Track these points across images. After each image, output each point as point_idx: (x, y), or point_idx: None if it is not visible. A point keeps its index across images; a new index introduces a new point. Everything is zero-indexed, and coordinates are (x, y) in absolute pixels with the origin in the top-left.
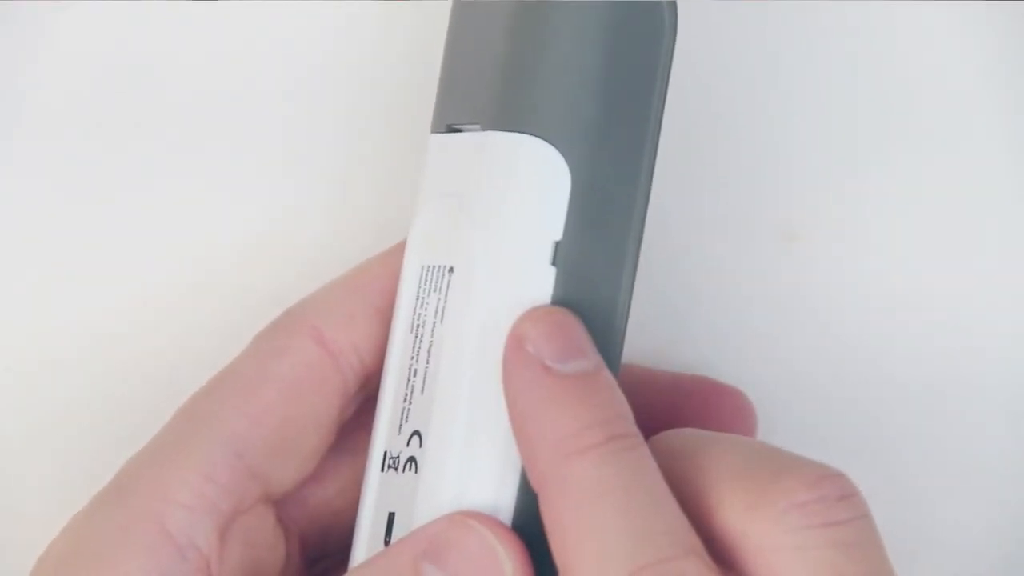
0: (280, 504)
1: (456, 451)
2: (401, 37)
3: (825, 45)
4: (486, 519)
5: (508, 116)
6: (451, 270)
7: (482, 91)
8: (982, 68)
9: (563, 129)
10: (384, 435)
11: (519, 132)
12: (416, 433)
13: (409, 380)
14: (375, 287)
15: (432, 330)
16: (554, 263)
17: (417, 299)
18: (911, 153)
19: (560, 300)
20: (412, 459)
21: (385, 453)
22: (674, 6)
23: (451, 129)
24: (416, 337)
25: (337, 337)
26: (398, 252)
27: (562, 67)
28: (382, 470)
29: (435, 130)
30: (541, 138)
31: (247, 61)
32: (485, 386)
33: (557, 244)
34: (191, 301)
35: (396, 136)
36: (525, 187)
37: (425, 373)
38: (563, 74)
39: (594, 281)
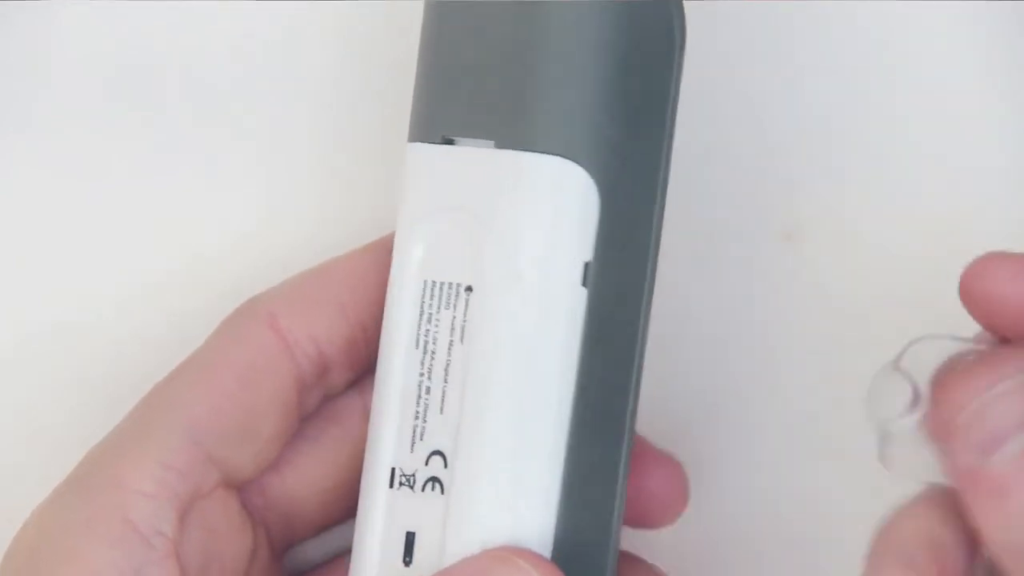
0: (242, 493)
1: (493, 474)
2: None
3: (826, 45)
4: (530, 555)
5: (532, 136)
6: (469, 289)
7: (492, 105)
8: (983, 68)
9: (590, 149)
10: (390, 452)
11: (547, 153)
12: (438, 453)
13: (420, 397)
14: (340, 282)
15: (449, 349)
16: (584, 284)
17: (422, 315)
18: (912, 153)
19: (595, 320)
20: (435, 480)
21: (393, 470)
22: (681, 7)
23: (446, 140)
24: (426, 354)
25: (293, 326)
26: (370, 252)
27: (582, 82)
28: (391, 487)
29: (421, 139)
30: (570, 159)
31: (238, 59)
32: (523, 409)
33: (587, 265)
34: (181, 298)
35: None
36: (557, 210)
37: (443, 393)
38: (584, 90)
39: (621, 298)
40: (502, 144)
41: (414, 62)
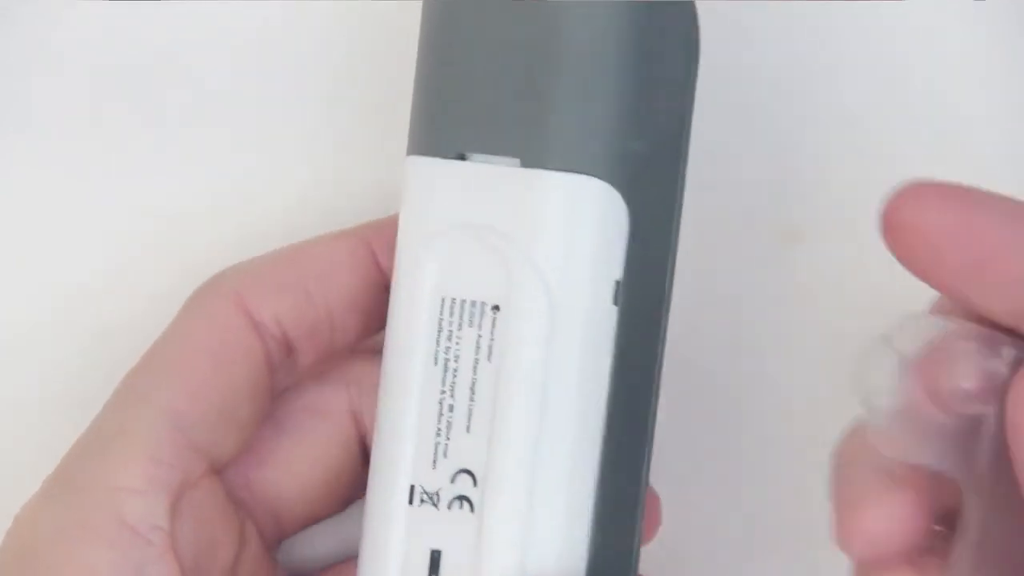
0: (228, 487)
1: (530, 495)
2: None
3: (827, 45)
4: None
5: (561, 154)
6: (496, 308)
7: (513, 120)
8: (984, 67)
9: (618, 166)
10: (408, 469)
11: (576, 172)
12: (466, 472)
13: (442, 414)
14: (308, 267)
15: (474, 367)
16: (615, 302)
17: (440, 331)
18: (913, 153)
19: (622, 338)
20: (463, 498)
21: (413, 487)
22: (697, 16)
23: (459, 156)
24: (447, 371)
25: (259, 306)
26: (342, 240)
27: (609, 95)
28: (410, 503)
29: (430, 153)
30: (599, 177)
31: (239, 59)
32: (559, 429)
33: (618, 283)
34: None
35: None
36: (591, 231)
37: (470, 411)
38: (611, 104)
39: (644, 315)
40: (528, 162)
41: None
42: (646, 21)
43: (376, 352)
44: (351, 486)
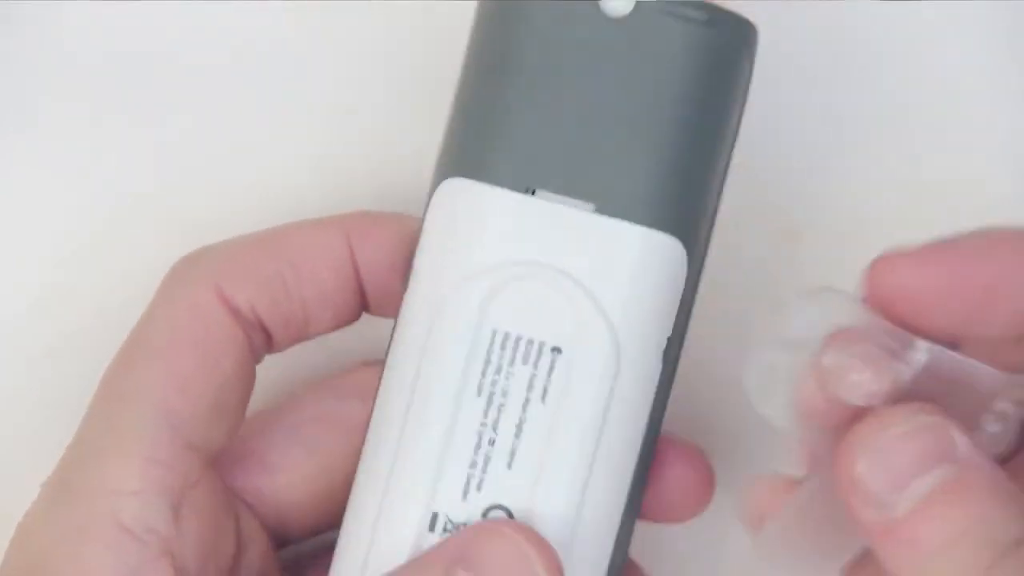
0: (237, 492)
1: (572, 536)
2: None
3: (828, 44)
4: (519, 526)
5: (644, 209)
6: (556, 350)
7: (595, 164)
8: (984, 67)
9: (689, 223)
10: (430, 495)
11: (657, 230)
12: (501, 508)
13: (480, 447)
14: (286, 257)
15: (524, 406)
16: (665, 358)
17: (487, 364)
18: (914, 152)
19: (660, 391)
20: None
21: (436, 515)
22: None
23: (528, 190)
24: (491, 405)
25: (236, 293)
26: (321, 229)
27: (698, 155)
28: (431, 531)
29: (493, 181)
30: (673, 235)
31: (240, 60)
32: (606, 477)
33: (669, 339)
34: None
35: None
36: (660, 288)
37: (514, 448)
38: (699, 164)
39: (673, 363)
40: (605, 210)
41: (416, 62)
42: (743, 80)
43: None
44: None
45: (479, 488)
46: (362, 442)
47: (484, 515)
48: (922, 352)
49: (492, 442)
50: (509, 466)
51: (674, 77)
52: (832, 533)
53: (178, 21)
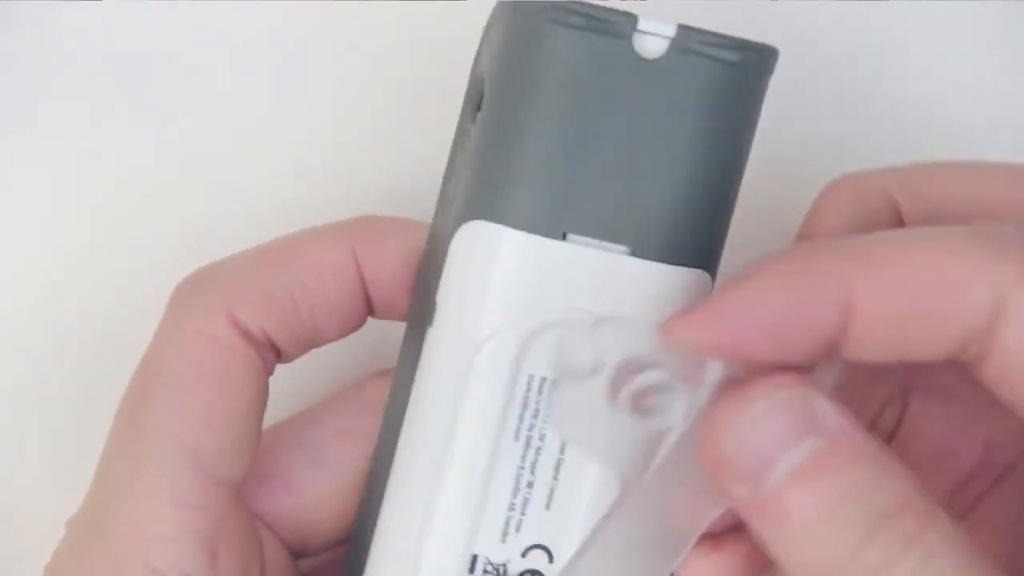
0: (257, 513)
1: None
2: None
3: (829, 43)
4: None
5: (678, 249)
6: None
7: (628, 208)
8: (985, 67)
9: (716, 255)
10: (468, 537)
11: (690, 267)
12: (540, 548)
13: (519, 490)
14: (297, 276)
15: (562, 448)
16: None
17: (525, 408)
18: (912, 152)
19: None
20: (535, 573)
21: (476, 556)
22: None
23: (561, 236)
24: (528, 448)
25: (248, 318)
26: (330, 243)
27: (723, 192)
28: (471, 572)
29: (524, 228)
30: (704, 269)
31: (240, 60)
32: (646, 521)
33: None
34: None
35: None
36: None
37: (552, 490)
38: (723, 200)
39: None
40: (640, 253)
41: (417, 63)
42: (761, 104)
43: None
44: None
45: (518, 529)
46: (379, 466)
47: (523, 555)
48: (715, 372)
49: (531, 484)
50: (547, 507)
51: (706, 116)
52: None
53: (178, 21)
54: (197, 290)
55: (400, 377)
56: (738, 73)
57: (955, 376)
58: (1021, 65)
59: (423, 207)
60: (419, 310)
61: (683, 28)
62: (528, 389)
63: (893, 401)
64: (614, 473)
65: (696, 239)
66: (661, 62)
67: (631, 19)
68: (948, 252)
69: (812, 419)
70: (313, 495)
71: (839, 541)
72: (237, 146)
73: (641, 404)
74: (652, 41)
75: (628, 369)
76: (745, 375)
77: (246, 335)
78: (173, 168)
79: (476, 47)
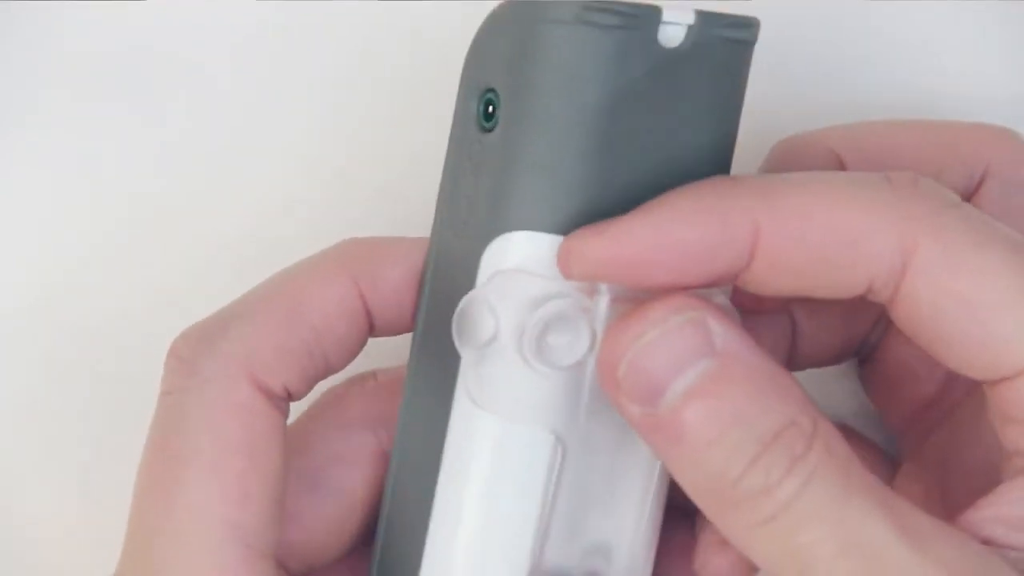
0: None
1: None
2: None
3: (828, 43)
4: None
5: None
6: None
7: (653, 195)
8: (985, 66)
9: None
10: (538, 547)
11: None
12: (598, 547)
13: (579, 493)
14: (308, 323)
15: (616, 449)
16: None
17: (589, 413)
18: None
19: None
20: (594, 574)
21: (538, 566)
22: None
23: None
24: (592, 454)
25: (270, 378)
26: (334, 286)
27: (728, 164)
28: None
29: (559, 231)
30: None
31: (240, 59)
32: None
33: None
34: (183, 297)
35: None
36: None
37: (611, 490)
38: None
39: None
40: None
41: (417, 62)
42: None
43: (388, 384)
44: (375, 519)
45: (582, 531)
46: (398, 475)
47: (583, 558)
48: (604, 294)
49: (590, 491)
50: (606, 507)
51: (722, 95)
52: None
53: (178, 20)
54: (213, 352)
55: (419, 390)
56: (746, 50)
57: None
58: (1022, 65)
59: (422, 205)
60: (437, 327)
61: (700, 14)
62: (589, 397)
63: (881, 319)
64: (548, 430)
65: None
66: (681, 50)
67: (657, 11)
68: (857, 202)
69: (705, 342)
70: (318, 523)
71: (727, 463)
72: (237, 144)
73: (548, 349)
74: (674, 30)
75: (527, 320)
76: (639, 296)
77: (268, 395)
78: (173, 167)
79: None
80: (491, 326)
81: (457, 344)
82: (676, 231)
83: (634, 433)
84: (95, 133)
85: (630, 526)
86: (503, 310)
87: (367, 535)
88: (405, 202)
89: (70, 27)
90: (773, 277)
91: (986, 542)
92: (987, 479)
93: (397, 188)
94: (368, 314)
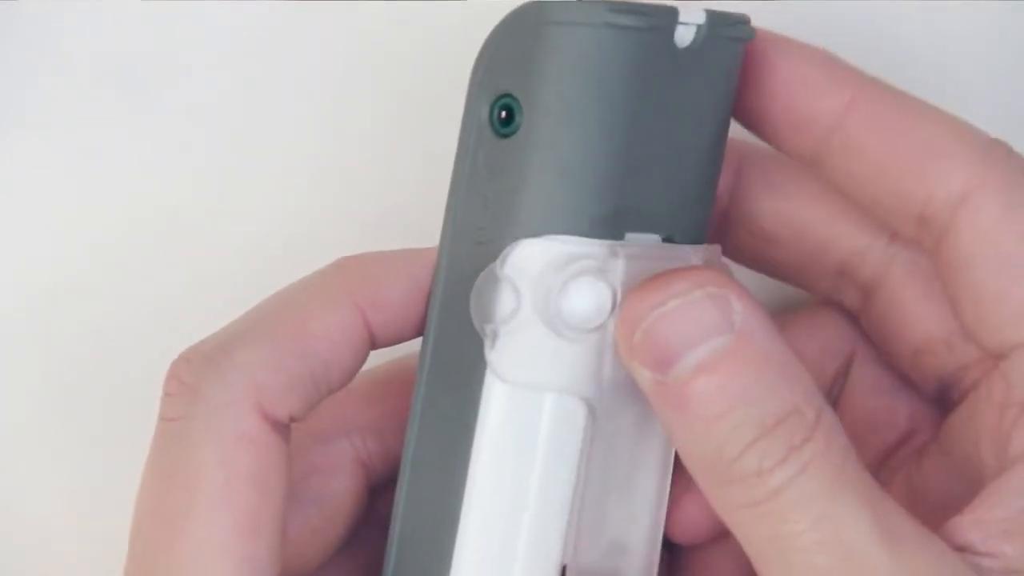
0: None
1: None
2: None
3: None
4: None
5: (701, 230)
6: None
7: (665, 197)
8: (984, 66)
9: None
10: (566, 545)
11: (707, 244)
12: (619, 540)
13: (601, 489)
14: (312, 351)
15: (637, 441)
16: None
17: (607, 412)
18: None
19: None
20: (614, 570)
21: (565, 567)
22: None
23: (620, 235)
24: (608, 450)
25: (276, 408)
26: (337, 312)
27: (721, 162)
28: None
29: (594, 235)
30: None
31: (239, 58)
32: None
33: None
34: (183, 295)
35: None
36: None
37: (630, 482)
38: (720, 170)
39: None
40: (672, 238)
41: (418, 62)
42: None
43: (359, 390)
44: (357, 524)
45: (603, 527)
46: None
47: (603, 555)
48: (622, 256)
49: (609, 484)
50: (623, 502)
51: (726, 93)
52: None
53: (178, 21)
54: (219, 380)
55: (435, 397)
56: (743, 47)
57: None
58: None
59: (428, 210)
60: (455, 334)
61: (710, 14)
62: (607, 396)
63: (838, 377)
64: (579, 398)
65: (710, 216)
66: (692, 49)
67: (674, 12)
68: (946, 124)
69: (725, 319)
70: (301, 535)
71: (727, 441)
72: (239, 145)
73: (571, 312)
74: (688, 31)
75: (550, 283)
76: (661, 256)
77: (275, 426)
78: (174, 168)
79: (477, 50)
80: (511, 299)
81: (478, 324)
82: (796, 55)
83: (652, 422)
84: (95, 133)
85: (647, 524)
86: (522, 280)
87: (347, 542)
88: (410, 207)
89: (70, 27)
90: (846, 160)
91: (963, 549)
92: (964, 495)
93: (402, 191)
94: (371, 335)
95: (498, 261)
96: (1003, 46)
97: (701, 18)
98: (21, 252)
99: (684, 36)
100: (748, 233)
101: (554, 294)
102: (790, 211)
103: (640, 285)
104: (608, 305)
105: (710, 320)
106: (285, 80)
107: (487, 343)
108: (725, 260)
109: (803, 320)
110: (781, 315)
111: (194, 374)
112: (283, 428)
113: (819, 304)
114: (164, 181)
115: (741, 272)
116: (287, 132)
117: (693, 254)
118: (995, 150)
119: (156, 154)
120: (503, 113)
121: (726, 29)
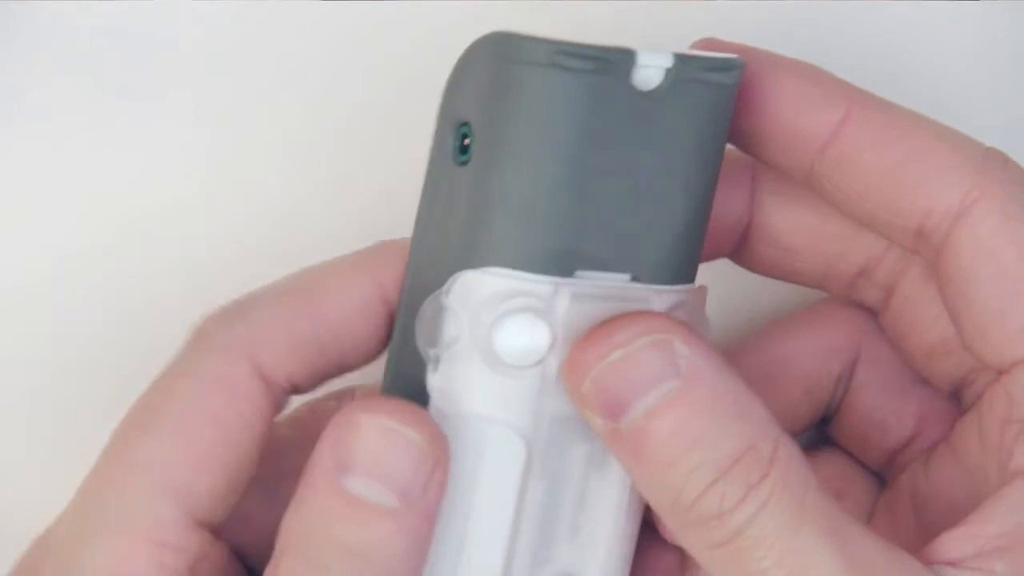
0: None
1: None
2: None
3: (829, 42)
4: (378, 407)
5: (675, 271)
6: None
7: (628, 236)
8: (984, 65)
9: (698, 262)
10: (504, 573)
11: (686, 284)
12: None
13: (545, 523)
14: (324, 320)
15: (586, 479)
16: None
17: (549, 448)
18: None
19: None
20: None
21: None
22: None
23: (570, 273)
24: (554, 484)
25: (275, 368)
26: (355, 285)
27: (709, 204)
28: None
29: (535, 270)
30: (693, 282)
31: (239, 57)
32: (635, 530)
33: None
34: (182, 292)
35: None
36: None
37: (576, 521)
38: (708, 211)
39: None
40: (642, 278)
41: (418, 60)
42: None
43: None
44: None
45: (547, 560)
46: None
47: None
48: (565, 294)
49: (556, 518)
50: (574, 536)
51: (702, 138)
52: None
53: (179, 18)
54: (224, 329)
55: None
56: (728, 92)
57: (894, 350)
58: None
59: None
60: (411, 354)
61: (679, 57)
62: (550, 431)
63: (843, 376)
64: (515, 432)
65: (690, 256)
66: (658, 93)
67: (629, 55)
68: (943, 138)
69: (669, 365)
70: (272, 531)
71: (685, 485)
72: (239, 140)
73: (507, 348)
74: (651, 73)
75: (485, 318)
76: (603, 295)
77: (266, 382)
78: (173, 165)
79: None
80: (453, 327)
81: (422, 348)
82: (782, 87)
83: (608, 458)
84: (95, 132)
85: (601, 557)
86: (464, 311)
87: None
88: (410, 207)
89: (70, 26)
90: (840, 174)
91: (954, 563)
92: (967, 504)
93: (399, 188)
94: (389, 317)
95: (444, 288)
96: (998, 51)
97: (668, 61)
98: (21, 247)
99: (649, 78)
100: (768, 246)
101: (487, 329)
102: (808, 222)
103: (585, 336)
104: (545, 343)
105: (655, 368)
106: (285, 80)
107: (430, 367)
108: (735, 266)
109: (807, 319)
110: (786, 314)
111: (208, 322)
112: (276, 388)
113: (824, 302)
114: (166, 177)
115: (746, 273)
116: (287, 132)
117: (656, 296)
118: (991, 161)
119: (158, 150)
120: (464, 140)
121: (703, 73)
